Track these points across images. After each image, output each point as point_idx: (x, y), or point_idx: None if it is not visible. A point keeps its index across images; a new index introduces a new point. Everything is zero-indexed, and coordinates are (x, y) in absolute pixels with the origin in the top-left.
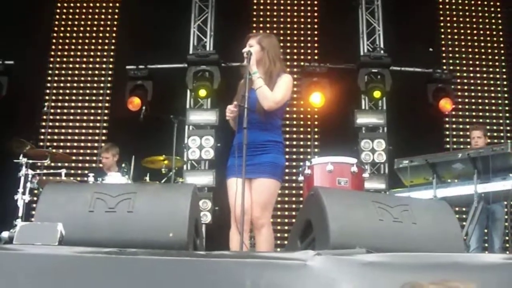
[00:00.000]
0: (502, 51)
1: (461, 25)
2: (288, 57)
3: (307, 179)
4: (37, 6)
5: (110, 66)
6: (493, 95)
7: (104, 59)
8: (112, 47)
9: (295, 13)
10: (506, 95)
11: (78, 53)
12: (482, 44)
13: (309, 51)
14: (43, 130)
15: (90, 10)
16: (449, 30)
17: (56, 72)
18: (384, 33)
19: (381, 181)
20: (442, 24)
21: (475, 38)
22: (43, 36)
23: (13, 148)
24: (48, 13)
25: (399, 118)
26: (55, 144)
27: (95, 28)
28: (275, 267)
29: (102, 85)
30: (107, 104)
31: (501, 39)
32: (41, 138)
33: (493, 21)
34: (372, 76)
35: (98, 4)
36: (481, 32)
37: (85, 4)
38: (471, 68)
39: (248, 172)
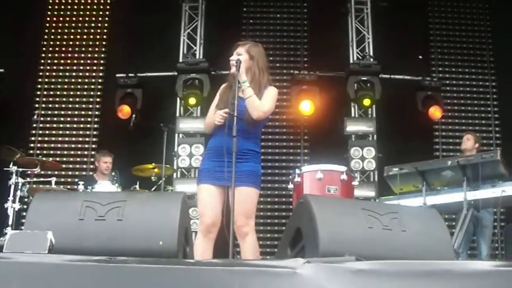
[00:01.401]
0: (491, 59)
1: (450, 33)
2: (277, 65)
3: (297, 187)
4: (27, 13)
5: (100, 74)
6: (482, 102)
7: (94, 67)
8: (102, 55)
9: (285, 21)
10: (495, 103)
11: (68, 61)
12: (471, 52)
13: (298, 59)
14: (33, 138)
15: (80, 19)
16: (438, 38)
17: (46, 80)
18: (374, 41)
19: (371, 188)
20: (431, 32)
21: (464, 46)
22: (33, 44)
23: (3, 156)
24: (38, 20)
25: (389, 125)
26: (45, 152)
27: (85, 36)
28: (264, 275)
29: (92, 93)
30: (97, 113)
31: (490, 47)
32: (31, 146)
33: (482, 29)
34: (362, 84)
35: (88, 13)
36: (470, 40)
37: (75, 12)
38: (460, 76)
39: (227, 180)
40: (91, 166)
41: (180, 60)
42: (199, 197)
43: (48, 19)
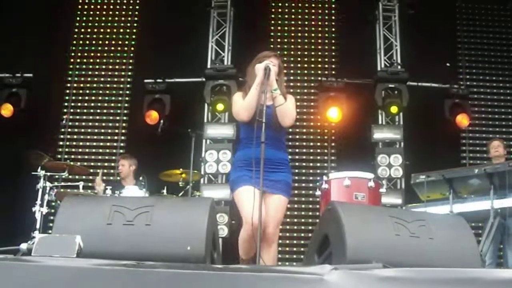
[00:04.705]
0: None
1: (478, 40)
2: (305, 72)
3: (324, 193)
4: (56, 19)
5: (129, 79)
6: (510, 110)
7: (123, 73)
8: (131, 60)
9: (313, 28)
10: None
11: (97, 67)
12: (499, 59)
13: (326, 66)
14: (61, 143)
15: (109, 24)
16: (466, 46)
17: (75, 85)
18: (401, 48)
19: (398, 196)
20: (459, 39)
21: (492, 53)
22: (62, 49)
23: (32, 160)
24: (67, 26)
25: (416, 133)
26: (73, 157)
27: (113, 42)
28: (292, 281)
29: (120, 98)
30: (125, 118)
31: None
32: (59, 151)
33: (510, 36)
34: (389, 91)
35: (116, 18)
36: (498, 47)
37: (103, 18)
38: (488, 84)
39: (266, 186)
40: (119, 171)
41: (208, 66)
42: (241, 198)
43: (77, 24)
